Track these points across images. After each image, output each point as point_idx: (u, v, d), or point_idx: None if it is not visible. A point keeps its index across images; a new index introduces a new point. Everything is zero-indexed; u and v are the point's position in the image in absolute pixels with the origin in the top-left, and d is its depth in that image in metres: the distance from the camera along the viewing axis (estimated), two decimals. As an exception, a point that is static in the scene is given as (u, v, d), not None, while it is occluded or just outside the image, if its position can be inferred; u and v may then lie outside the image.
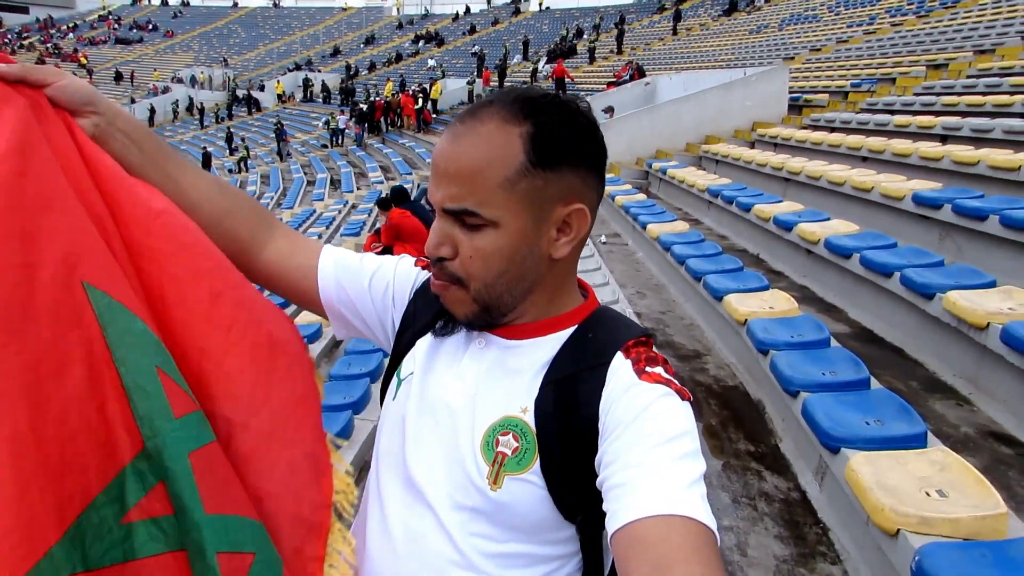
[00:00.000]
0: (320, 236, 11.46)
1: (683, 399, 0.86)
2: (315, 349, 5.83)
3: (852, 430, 2.85)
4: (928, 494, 2.37)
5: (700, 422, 3.81)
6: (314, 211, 14.98)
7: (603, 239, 8.60)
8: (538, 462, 0.88)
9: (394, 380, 1.06)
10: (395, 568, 0.93)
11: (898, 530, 2.27)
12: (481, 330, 0.97)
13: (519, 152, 0.86)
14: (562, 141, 0.88)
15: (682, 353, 4.90)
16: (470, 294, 0.91)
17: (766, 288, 4.85)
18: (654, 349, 0.94)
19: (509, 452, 0.89)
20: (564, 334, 0.95)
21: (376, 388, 4.56)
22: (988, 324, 3.56)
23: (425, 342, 1.04)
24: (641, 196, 9.35)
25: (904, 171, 7.15)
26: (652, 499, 0.75)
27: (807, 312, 4.53)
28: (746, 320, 4.24)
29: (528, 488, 0.88)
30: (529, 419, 0.90)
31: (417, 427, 0.97)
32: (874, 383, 3.34)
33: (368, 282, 1.10)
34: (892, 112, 9.78)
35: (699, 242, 6.38)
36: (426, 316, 1.06)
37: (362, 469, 3.82)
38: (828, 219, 6.19)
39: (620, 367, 0.89)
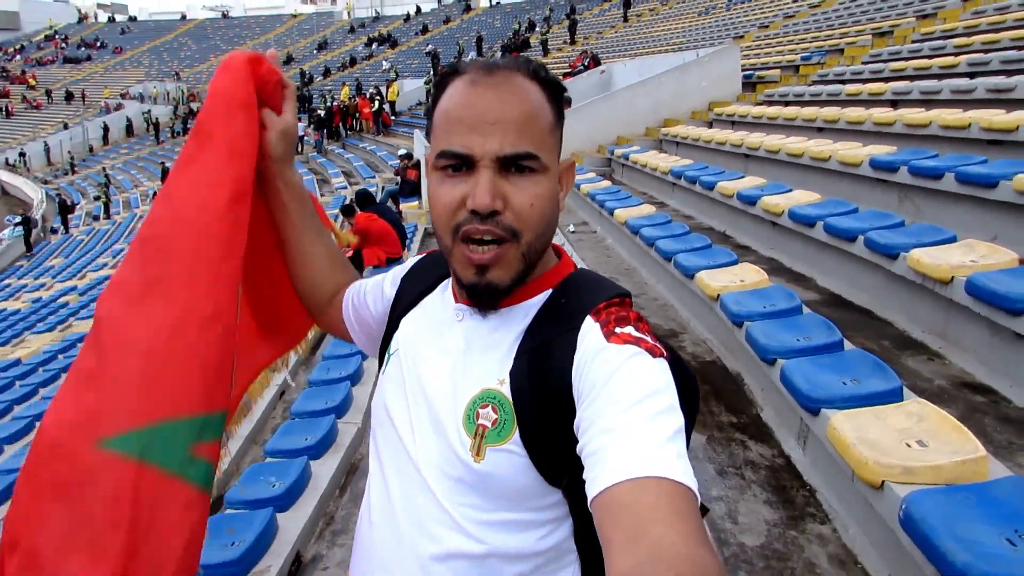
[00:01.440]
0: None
1: (655, 356, 0.85)
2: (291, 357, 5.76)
3: (830, 391, 2.90)
4: (909, 445, 2.42)
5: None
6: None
7: (571, 228, 8.62)
8: (517, 432, 0.89)
9: (386, 356, 1.08)
10: (396, 534, 0.95)
11: (883, 482, 2.31)
12: (500, 303, 0.96)
13: (549, 103, 0.92)
14: (561, 103, 0.95)
15: (658, 333, 4.87)
16: (520, 249, 0.89)
17: (735, 263, 4.90)
18: (631, 308, 0.95)
19: (489, 424, 0.90)
20: (539, 300, 0.96)
21: (357, 391, 4.55)
22: (952, 278, 3.64)
23: (411, 318, 1.06)
24: (605, 183, 9.39)
25: (859, 138, 7.28)
26: (624, 463, 0.74)
27: (777, 282, 4.58)
28: (719, 295, 4.29)
29: (509, 458, 0.89)
30: (506, 390, 0.91)
31: (407, 402, 0.99)
32: (847, 345, 3.39)
33: (369, 301, 1.20)
34: (843, 82, 9.94)
35: (666, 223, 6.43)
36: (412, 295, 1.09)
37: (348, 472, 3.79)
38: (790, 190, 6.27)
39: (590, 331, 0.89)
